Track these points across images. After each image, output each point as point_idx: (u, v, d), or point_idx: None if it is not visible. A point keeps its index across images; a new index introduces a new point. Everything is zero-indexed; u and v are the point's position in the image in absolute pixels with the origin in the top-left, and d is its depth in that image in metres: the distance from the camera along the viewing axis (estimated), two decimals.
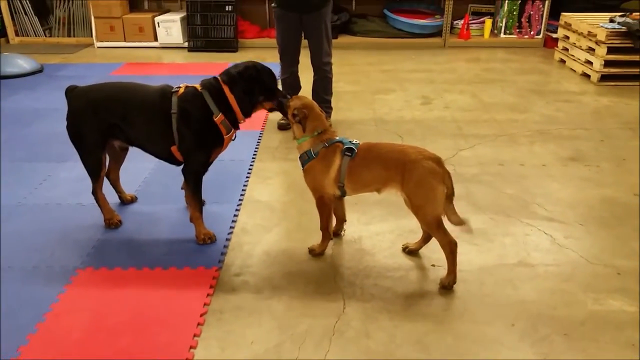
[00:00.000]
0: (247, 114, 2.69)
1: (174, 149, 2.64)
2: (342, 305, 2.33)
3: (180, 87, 2.63)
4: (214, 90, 2.60)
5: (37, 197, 3.26)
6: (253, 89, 2.63)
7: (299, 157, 2.59)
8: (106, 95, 2.71)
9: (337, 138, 2.53)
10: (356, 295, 2.40)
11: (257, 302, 2.37)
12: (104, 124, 2.66)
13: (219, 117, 2.57)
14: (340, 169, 2.45)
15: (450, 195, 2.40)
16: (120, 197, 3.14)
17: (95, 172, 2.81)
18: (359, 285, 2.47)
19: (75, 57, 6.85)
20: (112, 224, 2.90)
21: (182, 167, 2.70)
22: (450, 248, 2.39)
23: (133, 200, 3.18)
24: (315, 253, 2.67)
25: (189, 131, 2.58)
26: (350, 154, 2.44)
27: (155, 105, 2.61)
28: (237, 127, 2.73)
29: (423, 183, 2.33)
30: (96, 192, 2.87)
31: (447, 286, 2.44)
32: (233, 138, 2.72)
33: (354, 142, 2.49)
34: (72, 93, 2.74)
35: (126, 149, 2.94)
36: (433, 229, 2.40)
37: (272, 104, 2.75)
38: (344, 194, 2.55)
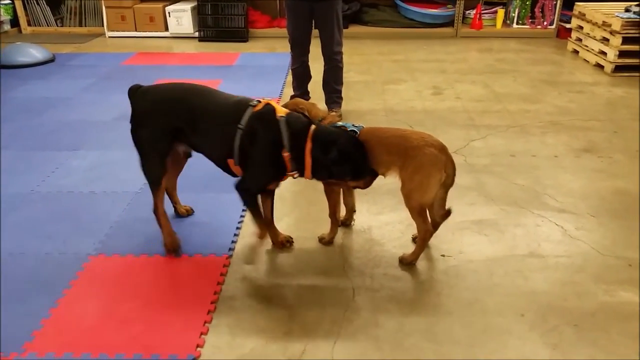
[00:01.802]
0: (318, 179, 2.44)
1: (230, 161, 2.40)
2: (352, 294, 2.34)
3: (259, 102, 2.37)
4: (295, 128, 2.31)
5: (50, 185, 3.29)
6: (339, 167, 2.31)
7: None
8: (173, 97, 2.48)
9: (340, 123, 2.53)
10: (365, 285, 2.41)
11: (267, 290, 2.38)
12: (170, 126, 2.44)
13: (287, 155, 2.30)
14: None
15: (448, 185, 2.41)
16: (175, 209, 2.89)
17: (156, 179, 2.54)
18: (369, 274, 2.48)
19: (86, 47, 6.88)
20: (172, 250, 2.61)
21: (235, 180, 2.45)
22: (424, 235, 2.45)
23: (189, 213, 2.92)
24: (325, 241, 2.68)
25: (251, 152, 2.33)
26: None
27: (223, 114, 2.38)
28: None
29: (421, 170, 2.32)
30: (157, 208, 2.59)
31: (404, 262, 2.50)
32: (295, 176, 2.41)
33: (356, 125, 2.48)
34: (136, 93, 2.52)
35: (189, 155, 2.69)
36: (415, 213, 2.41)
37: (357, 183, 2.45)
38: None
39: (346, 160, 2.30)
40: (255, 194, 2.44)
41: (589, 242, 2.71)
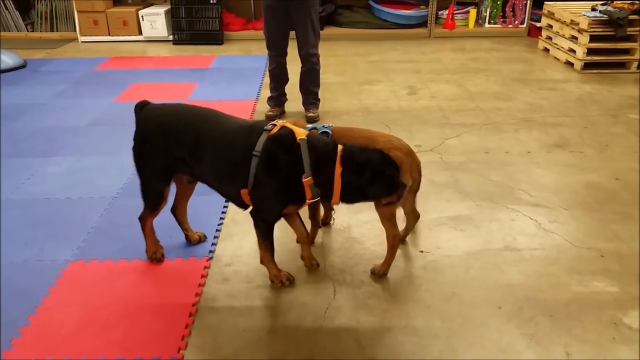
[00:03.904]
0: (347, 202, 2.25)
1: (244, 192, 2.21)
2: (333, 292, 2.37)
3: (275, 125, 2.19)
4: (319, 151, 2.12)
5: (25, 192, 3.24)
6: (375, 187, 2.17)
7: None
8: (179, 122, 2.30)
9: (309, 125, 2.48)
10: (346, 282, 2.43)
11: (248, 291, 2.39)
12: (173, 155, 2.29)
13: (307, 180, 2.11)
14: None
15: (415, 189, 2.42)
16: (186, 236, 2.70)
17: (152, 204, 2.43)
18: (349, 272, 2.51)
19: (59, 52, 6.78)
20: (155, 258, 2.55)
21: (250, 209, 2.29)
22: (393, 242, 2.41)
23: (202, 240, 2.73)
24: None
25: (268, 179, 2.14)
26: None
27: (236, 140, 2.19)
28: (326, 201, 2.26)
29: None
30: (145, 219, 2.49)
31: (376, 273, 2.46)
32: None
33: (326, 125, 2.48)
34: (142, 110, 2.37)
35: (195, 181, 2.51)
36: (385, 219, 2.39)
37: (390, 199, 2.24)
38: None
39: (382, 179, 2.15)
40: (273, 224, 2.30)
41: (563, 234, 2.78)
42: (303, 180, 2.10)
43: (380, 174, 2.14)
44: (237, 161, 2.17)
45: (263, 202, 2.21)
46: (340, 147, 2.15)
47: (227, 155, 2.21)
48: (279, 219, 2.32)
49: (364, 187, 2.14)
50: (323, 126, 2.48)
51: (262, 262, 2.40)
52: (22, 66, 6.00)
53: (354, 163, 2.12)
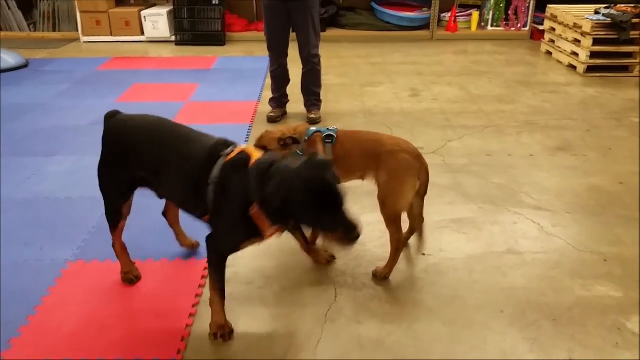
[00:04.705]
0: (280, 225, 1.93)
1: (205, 218, 2.06)
2: (334, 294, 2.35)
3: (235, 148, 2.00)
4: (263, 173, 1.83)
5: (26, 192, 3.23)
6: (284, 216, 1.81)
7: None
8: (143, 139, 2.14)
9: (313, 128, 2.49)
10: (347, 284, 2.42)
11: (248, 292, 2.38)
12: (132, 175, 2.18)
13: (255, 211, 1.88)
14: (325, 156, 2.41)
15: (422, 193, 2.40)
16: (179, 242, 2.64)
17: (112, 221, 2.32)
18: (350, 274, 2.49)
19: (61, 52, 6.78)
20: (126, 279, 2.42)
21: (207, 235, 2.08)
22: (397, 245, 2.40)
23: (194, 247, 2.65)
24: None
25: (224, 208, 1.96)
26: (330, 141, 2.41)
27: (193, 166, 2.02)
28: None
29: (395, 175, 2.31)
30: (114, 244, 2.39)
31: (378, 276, 2.44)
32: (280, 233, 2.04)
33: (331, 128, 2.47)
34: (109, 121, 2.23)
35: None
36: (390, 222, 2.37)
37: (335, 236, 1.85)
38: None
39: (293, 206, 1.74)
40: (226, 257, 2.07)
41: (565, 238, 2.76)
42: (250, 212, 1.87)
43: (288, 204, 1.75)
44: (194, 188, 2.01)
45: (220, 232, 2.03)
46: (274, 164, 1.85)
47: (185, 180, 2.06)
48: (235, 252, 2.08)
49: (271, 204, 1.77)
50: (328, 129, 2.47)
51: (210, 304, 2.11)
52: (24, 66, 6.00)
53: (263, 194, 1.79)
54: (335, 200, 1.80)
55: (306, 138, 2.44)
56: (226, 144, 2.05)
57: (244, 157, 1.95)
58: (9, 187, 3.28)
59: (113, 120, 2.23)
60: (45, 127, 4.25)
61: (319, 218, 1.78)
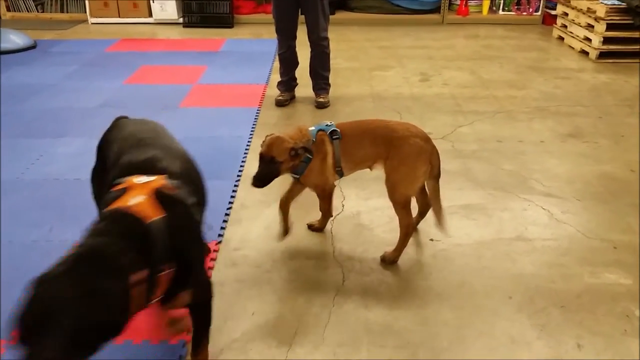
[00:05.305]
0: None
1: None
2: (342, 279, 2.35)
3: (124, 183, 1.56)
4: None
5: (35, 173, 3.24)
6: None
7: (291, 169, 2.35)
8: (115, 148, 1.89)
9: (313, 128, 2.39)
10: (355, 269, 2.42)
11: (257, 275, 2.38)
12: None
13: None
14: (335, 154, 2.36)
15: (436, 175, 2.39)
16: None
17: None
18: (358, 259, 2.49)
19: (69, 33, 6.76)
20: None
21: None
22: (407, 230, 2.39)
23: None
24: (315, 228, 2.68)
25: None
26: (337, 136, 2.35)
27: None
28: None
29: (407, 161, 2.30)
30: None
31: (386, 260, 2.44)
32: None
33: (329, 123, 2.39)
34: (114, 121, 2.11)
35: None
36: (399, 207, 2.36)
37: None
38: (341, 176, 2.47)
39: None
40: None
41: (575, 225, 2.74)
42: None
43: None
44: None
45: None
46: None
47: None
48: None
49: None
50: (327, 125, 2.38)
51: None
52: (32, 47, 5.99)
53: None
54: None
55: (313, 140, 2.34)
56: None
57: (122, 210, 1.46)
58: (18, 168, 3.28)
59: (118, 122, 2.09)
60: (54, 108, 4.25)
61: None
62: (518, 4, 7.22)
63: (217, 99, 4.48)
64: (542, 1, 7.10)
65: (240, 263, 2.45)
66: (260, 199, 2.95)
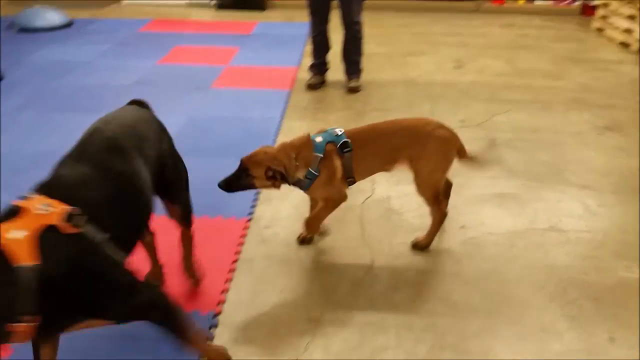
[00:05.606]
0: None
1: None
2: (371, 260, 2.35)
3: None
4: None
5: (70, 146, 3.29)
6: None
7: (294, 184, 2.19)
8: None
9: (321, 140, 2.17)
10: (384, 252, 2.41)
11: (286, 253, 2.39)
12: None
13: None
14: (345, 166, 2.20)
15: (464, 155, 2.33)
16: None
17: None
18: (387, 242, 2.48)
19: (103, 13, 6.85)
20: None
21: None
22: (440, 219, 2.36)
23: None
24: (302, 237, 2.48)
25: None
26: (348, 149, 2.17)
27: None
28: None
29: (438, 154, 2.26)
30: None
31: (418, 246, 2.41)
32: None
33: (339, 133, 2.20)
34: (130, 104, 2.03)
35: None
36: (431, 201, 2.32)
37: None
38: (352, 184, 2.30)
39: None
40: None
41: (610, 218, 2.68)
42: None
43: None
44: None
45: None
46: None
47: None
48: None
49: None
50: (336, 135, 2.19)
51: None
52: (68, 25, 6.09)
53: None
54: None
55: (321, 156, 2.14)
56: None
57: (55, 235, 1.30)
58: (54, 141, 3.35)
59: (136, 102, 2.06)
60: (89, 85, 4.32)
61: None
62: None
63: (248, 81, 4.49)
64: None
65: (270, 240, 2.47)
66: None
